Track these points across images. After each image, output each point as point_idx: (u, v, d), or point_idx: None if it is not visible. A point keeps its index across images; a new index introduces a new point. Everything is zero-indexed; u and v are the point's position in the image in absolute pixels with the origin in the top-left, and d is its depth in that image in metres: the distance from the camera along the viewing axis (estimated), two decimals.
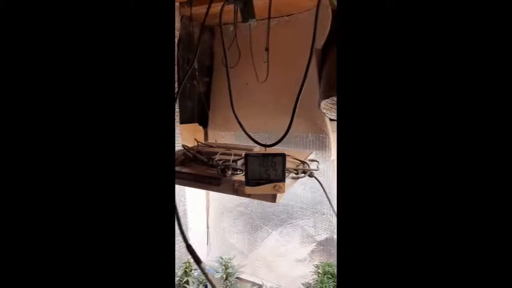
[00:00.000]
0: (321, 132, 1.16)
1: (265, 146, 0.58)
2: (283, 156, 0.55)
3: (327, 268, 1.01)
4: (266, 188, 0.56)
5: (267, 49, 0.83)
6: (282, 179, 0.56)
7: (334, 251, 1.20)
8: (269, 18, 0.80)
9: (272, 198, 0.60)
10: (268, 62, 0.86)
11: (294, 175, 0.74)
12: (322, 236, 1.22)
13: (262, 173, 0.55)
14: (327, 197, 0.75)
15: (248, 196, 0.61)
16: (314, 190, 1.21)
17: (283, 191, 0.57)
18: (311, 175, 0.76)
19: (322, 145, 1.17)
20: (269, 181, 0.56)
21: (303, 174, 0.75)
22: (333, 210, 0.74)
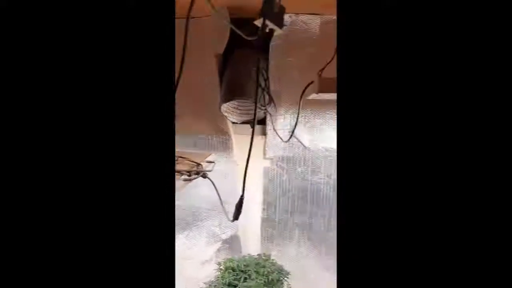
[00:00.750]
0: (224, 134, 1.21)
1: None
2: None
3: (228, 264, 1.05)
4: None
5: None
6: None
7: (238, 247, 1.26)
8: None
9: None
10: None
11: (186, 177, 0.75)
12: (227, 234, 1.27)
13: None
14: (218, 196, 0.78)
15: None
16: (219, 190, 1.25)
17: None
18: (204, 176, 0.79)
19: (225, 147, 1.22)
20: None
21: (195, 176, 0.76)
22: (224, 209, 0.78)
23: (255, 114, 0.71)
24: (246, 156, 1.24)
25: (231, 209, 1.25)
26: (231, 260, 1.07)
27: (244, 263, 1.05)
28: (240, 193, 0.71)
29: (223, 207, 0.78)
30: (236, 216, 0.64)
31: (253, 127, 0.72)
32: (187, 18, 0.88)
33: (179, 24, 1.01)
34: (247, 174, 1.27)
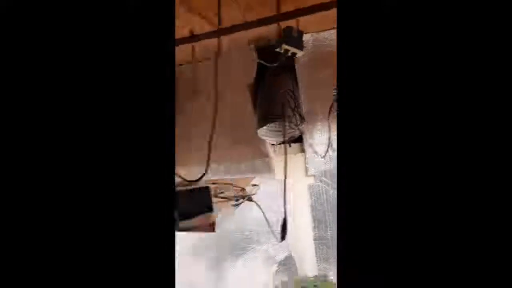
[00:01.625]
0: (265, 156, 1.25)
1: (190, 181, 0.63)
2: (207, 189, 0.60)
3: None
4: (199, 221, 0.61)
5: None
6: (210, 210, 0.61)
7: (294, 269, 1.24)
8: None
9: (210, 228, 0.65)
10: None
11: (233, 203, 0.79)
12: (281, 255, 1.26)
13: (191, 208, 0.60)
14: (265, 218, 0.81)
15: (187, 230, 0.64)
16: (268, 211, 1.27)
17: (214, 220, 0.62)
18: (250, 200, 0.82)
19: (268, 168, 1.25)
20: (199, 213, 0.60)
21: (242, 200, 0.80)
22: (272, 230, 0.80)
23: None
24: (289, 176, 1.25)
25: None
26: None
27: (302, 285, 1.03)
28: (282, 219, 0.72)
29: (270, 228, 0.79)
30: (282, 236, 0.66)
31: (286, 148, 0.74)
32: (216, 58, 0.97)
33: (205, 67, 1.12)
34: (293, 194, 1.27)
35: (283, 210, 1.22)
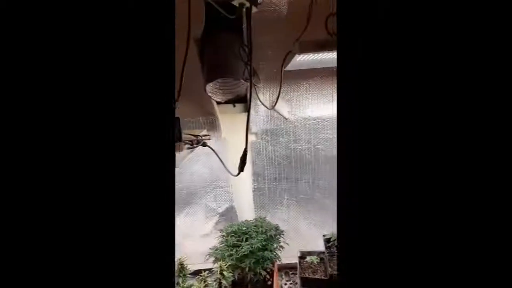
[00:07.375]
0: (211, 114, 1.29)
1: None
2: (177, 119, 0.63)
3: (229, 229, 1.15)
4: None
5: None
6: (179, 139, 0.64)
7: (235, 218, 1.36)
8: None
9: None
10: None
11: (189, 146, 0.83)
12: (223, 208, 1.36)
13: None
14: (220, 160, 0.88)
15: None
16: (211, 168, 1.34)
17: (182, 149, 0.66)
18: (204, 145, 0.87)
19: (213, 126, 1.31)
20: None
21: (197, 145, 0.85)
22: (227, 168, 0.88)
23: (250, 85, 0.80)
24: (233, 134, 1.33)
25: (224, 184, 1.34)
26: (231, 226, 1.17)
27: (244, 227, 1.16)
28: (243, 151, 0.78)
29: (226, 167, 0.87)
30: (241, 168, 0.74)
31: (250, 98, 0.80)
32: None
33: None
34: (235, 151, 1.37)
35: (234, 163, 1.30)
